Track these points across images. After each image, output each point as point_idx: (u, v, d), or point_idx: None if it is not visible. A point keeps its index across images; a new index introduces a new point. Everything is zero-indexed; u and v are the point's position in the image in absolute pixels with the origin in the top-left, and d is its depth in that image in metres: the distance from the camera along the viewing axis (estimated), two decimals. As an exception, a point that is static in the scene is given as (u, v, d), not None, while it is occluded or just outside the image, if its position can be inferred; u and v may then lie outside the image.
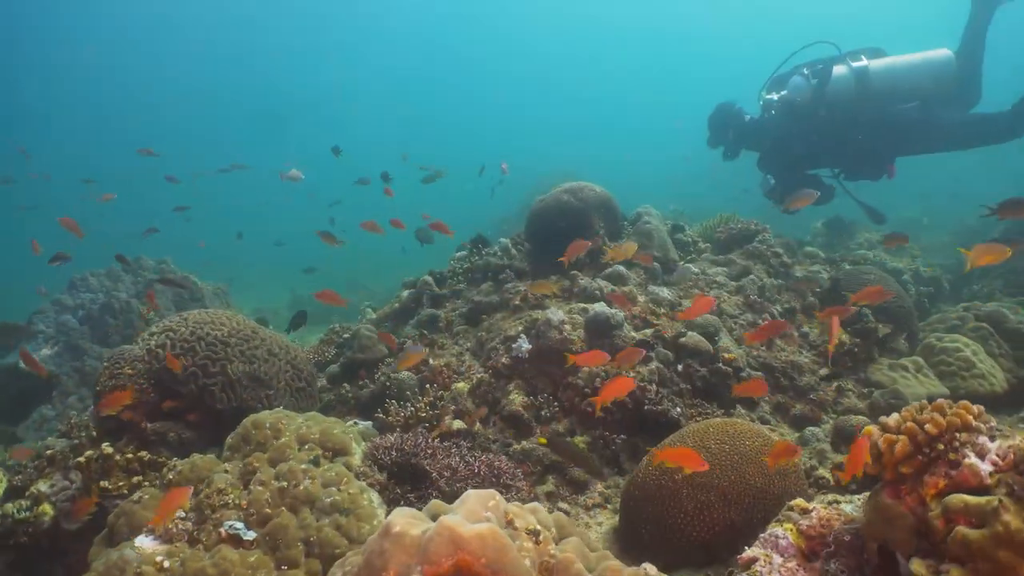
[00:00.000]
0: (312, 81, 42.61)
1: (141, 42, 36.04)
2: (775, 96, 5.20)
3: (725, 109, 5.44)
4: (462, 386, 3.75)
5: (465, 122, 47.43)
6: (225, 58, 39.35)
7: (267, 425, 2.70)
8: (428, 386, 3.81)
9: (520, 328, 3.88)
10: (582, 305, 3.92)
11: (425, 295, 4.93)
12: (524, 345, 3.65)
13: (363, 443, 2.96)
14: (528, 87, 45.82)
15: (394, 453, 2.83)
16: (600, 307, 3.77)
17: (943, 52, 4.75)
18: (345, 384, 4.22)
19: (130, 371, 3.34)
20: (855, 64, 4.84)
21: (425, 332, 4.39)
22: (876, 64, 4.83)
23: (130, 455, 3.13)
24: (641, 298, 4.20)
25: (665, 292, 4.29)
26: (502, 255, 5.02)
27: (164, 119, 39.83)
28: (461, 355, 4.13)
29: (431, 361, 4.07)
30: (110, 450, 3.08)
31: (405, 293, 5.26)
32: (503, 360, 3.72)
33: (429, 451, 2.84)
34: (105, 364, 3.41)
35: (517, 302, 4.13)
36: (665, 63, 42.48)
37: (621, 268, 4.34)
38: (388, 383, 3.93)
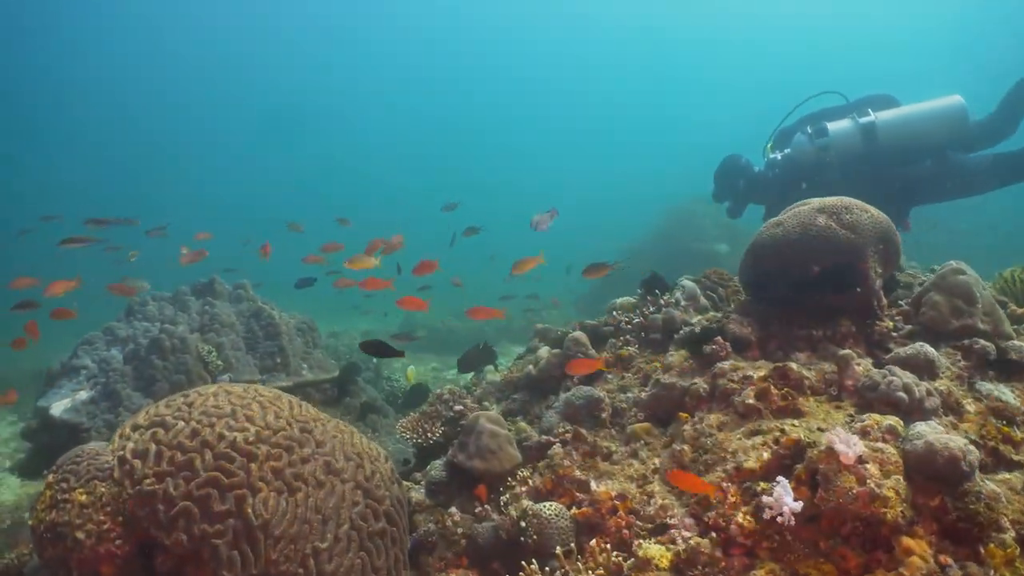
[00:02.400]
0: (324, 85, 43.23)
1: (150, 46, 36.82)
2: (779, 155, 5.15)
3: (734, 162, 5.38)
4: (657, 554, 2.06)
5: (488, 130, 48.03)
6: (235, 62, 40.07)
7: None
8: (595, 543, 2.16)
9: (766, 455, 2.14)
10: (888, 422, 2.12)
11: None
12: (787, 501, 1.91)
13: None
14: (548, 91, 45.92)
15: None
16: (931, 431, 1.98)
17: (954, 99, 4.60)
18: (453, 508, 2.63)
19: (83, 497, 1.90)
20: (862, 119, 4.70)
21: (582, 429, 2.73)
22: (884, 117, 4.67)
23: (55, 667, 1.67)
24: (969, 404, 2.36)
25: (1008, 393, 2.43)
26: (686, 305, 3.34)
27: (174, 124, 41.06)
28: (645, 479, 2.45)
29: (593, 486, 2.42)
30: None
31: (543, 350, 3.66)
32: (740, 518, 2.00)
33: None
34: (48, 479, 1.99)
35: (750, 400, 2.39)
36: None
37: (926, 347, 2.51)
38: (524, 523, 2.31)
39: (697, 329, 2.99)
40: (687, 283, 3.46)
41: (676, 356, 2.84)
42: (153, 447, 1.92)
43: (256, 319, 4.72)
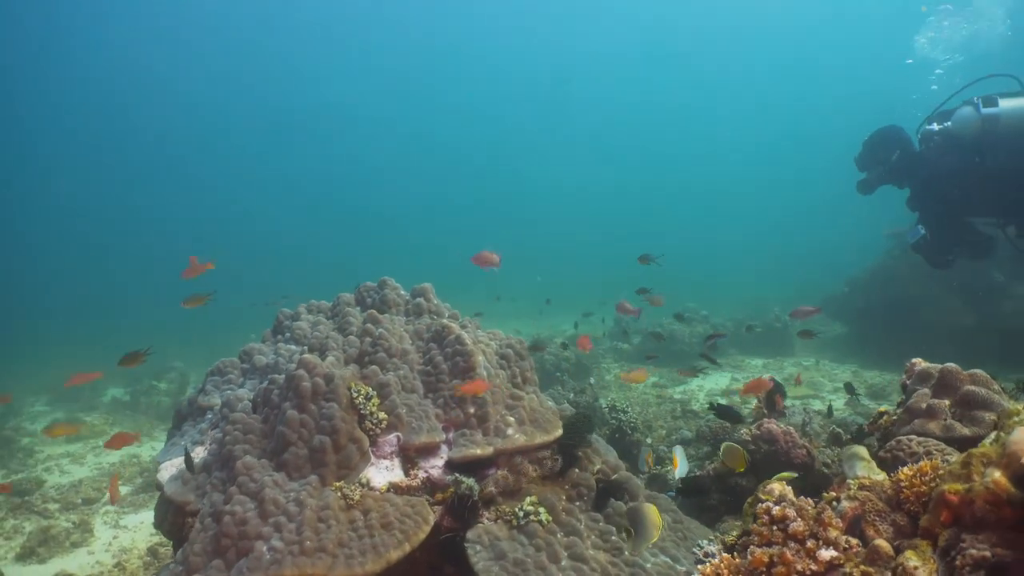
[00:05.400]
0: (322, 89, 43.17)
1: (149, 53, 36.65)
2: (936, 127, 4.79)
3: (895, 132, 5.12)
4: None
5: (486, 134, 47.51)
6: (234, 68, 39.99)
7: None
8: None
9: None
10: None
11: None
12: None
13: None
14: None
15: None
16: None
17: None
18: None
19: None
20: None
21: None
22: None
23: None
24: None
25: None
26: None
27: (174, 128, 41.31)
28: None
29: None
30: None
31: (1017, 439, 1.62)
32: None
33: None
34: None
35: None
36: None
37: None
38: None
39: None
40: None
41: None
42: None
43: (438, 344, 3.11)
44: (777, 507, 2.00)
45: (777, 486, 2.26)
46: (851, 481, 2.19)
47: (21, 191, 39.33)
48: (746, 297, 15.88)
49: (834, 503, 2.16)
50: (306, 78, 42.61)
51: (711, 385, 9.32)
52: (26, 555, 4.98)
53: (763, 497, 2.22)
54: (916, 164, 4.93)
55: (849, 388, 5.64)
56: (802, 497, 2.07)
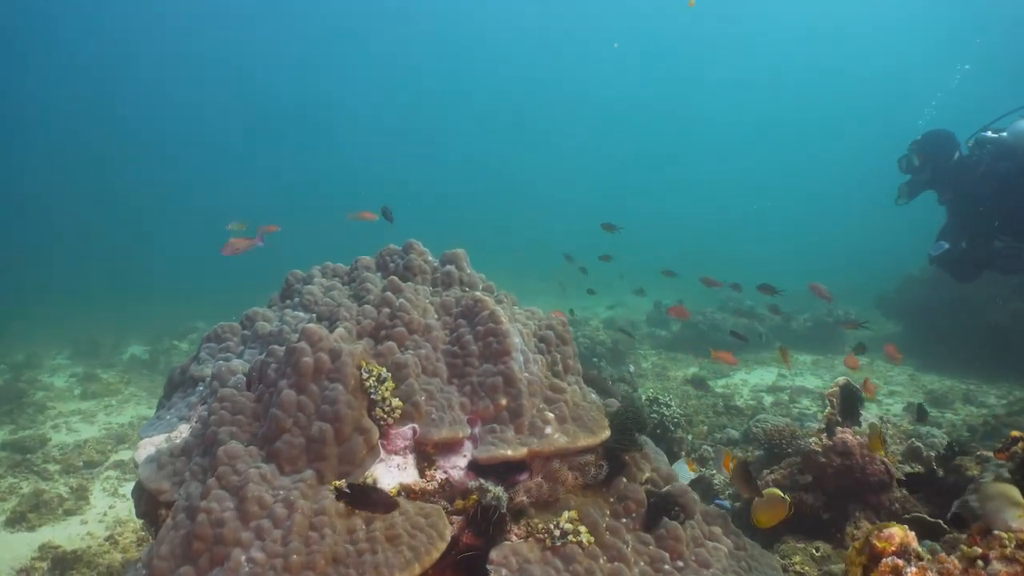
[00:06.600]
0: (309, 88, 43.08)
1: (139, 53, 36.48)
2: (991, 134, 4.82)
3: (948, 136, 5.08)
4: None
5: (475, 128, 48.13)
6: (223, 67, 39.74)
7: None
8: None
9: None
10: None
11: None
12: None
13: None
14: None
15: None
16: None
17: None
18: None
19: None
20: None
21: None
22: None
23: None
24: None
25: None
26: None
27: (164, 127, 41.21)
28: None
29: None
30: None
31: None
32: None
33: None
34: None
35: None
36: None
37: None
38: None
39: None
40: None
41: None
42: None
43: (468, 320, 2.63)
44: (913, 568, 1.49)
45: (898, 532, 1.74)
46: (1003, 535, 1.67)
47: (43, 145, 39.60)
48: (794, 291, 15.17)
49: (979, 562, 1.65)
50: (314, 72, 42.72)
51: (756, 380, 8.74)
52: (15, 520, 4.67)
53: (879, 545, 1.71)
54: (963, 169, 4.96)
55: (921, 411, 4.95)
56: (943, 555, 1.56)
